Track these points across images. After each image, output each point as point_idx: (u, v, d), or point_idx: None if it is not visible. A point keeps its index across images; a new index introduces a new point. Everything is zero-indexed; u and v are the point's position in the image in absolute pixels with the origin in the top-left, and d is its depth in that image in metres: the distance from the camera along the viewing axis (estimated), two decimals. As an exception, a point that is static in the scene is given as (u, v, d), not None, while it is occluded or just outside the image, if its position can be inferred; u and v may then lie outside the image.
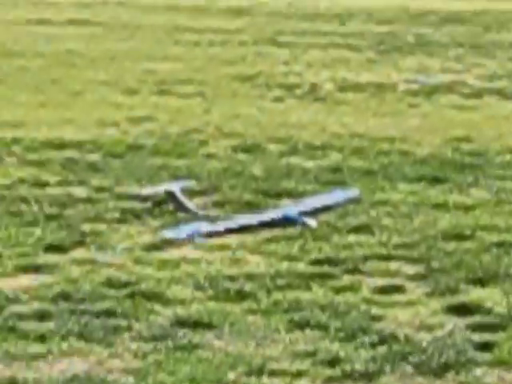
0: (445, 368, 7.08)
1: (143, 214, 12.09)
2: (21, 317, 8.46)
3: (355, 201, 12.71)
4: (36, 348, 7.64)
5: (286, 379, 6.83)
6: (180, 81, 26.68)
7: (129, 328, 8.11)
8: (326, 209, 12.19)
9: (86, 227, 11.64)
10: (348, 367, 7.08)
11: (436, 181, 14.57)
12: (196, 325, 8.18)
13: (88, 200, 13.01)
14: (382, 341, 7.73)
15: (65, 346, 7.62)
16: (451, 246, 10.89)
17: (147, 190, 12.62)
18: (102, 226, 11.67)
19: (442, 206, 12.95)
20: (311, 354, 7.37)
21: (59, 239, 11.09)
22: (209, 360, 7.25)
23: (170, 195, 12.00)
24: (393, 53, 32.23)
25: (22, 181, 14.51)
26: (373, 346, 7.63)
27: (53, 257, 10.43)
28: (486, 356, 7.41)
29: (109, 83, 25.39)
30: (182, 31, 37.36)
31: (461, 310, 8.75)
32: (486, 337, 7.92)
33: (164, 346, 7.62)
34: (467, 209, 12.83)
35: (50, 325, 8.24)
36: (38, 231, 11.41)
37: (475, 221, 12.06)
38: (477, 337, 7.90)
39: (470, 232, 11.51)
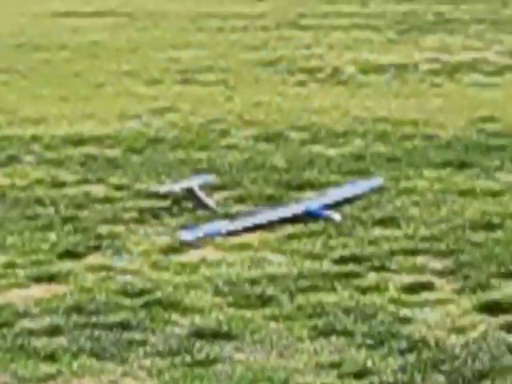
0: (479, 376, 6.65)
1: (162, 213, 11.70)
2: (31, 333, 8.07)
3: (379, 190, 12.32)
4: (45, 368, 7.22)
5: (311, 394, 6.61)
6: (203, 68, 26.53)
7: (144, 342, 7.73)
8: (350, 200, 11.82)
9: (103, 229, 11.25)
10: (376, 379, 6.72)
11: (462, 166, 14.15)
12: (215, 335, 7.79)
13: (106, 200, 12.67)
14: (412, 347, 7.37)
15: (76, 365, 7.18)
16: (480, 236, 10.38)
17: (166, 187, 12.29)
18: (119, 228, 11.27)
19: (469, 193, 12.48)
20: (337, 365, 6.98)
21: (74, 244, 10.71)
22: (228, 375, 6.87)
23: (190, 192, 11.68)
24: (413, 32, 32.48)
25: (38, 181, 14.19)
26: (402, 353, 7.26)
27: (67, 264, 10.00)
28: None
29: (132, 74, 25.21)
30: (206, 18, 37.37)
31: (493, 308, 8.30)
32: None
33: (180, 362, 7.24)
34: (495, 195, 12.40)
35: (61, 341, 7.83)
36: (52, 236, 11.05)
37: (504, 208, 11.62)
38: (513, 338, 7.59)
39: (499, 220, 10.99)
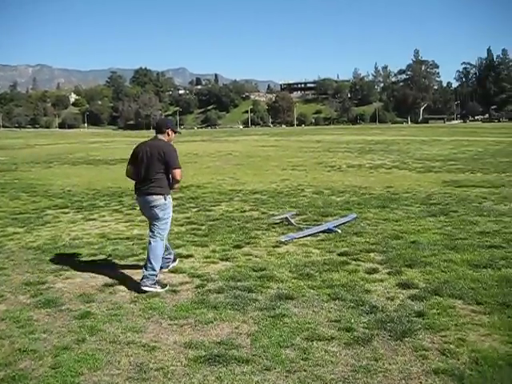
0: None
1: (276, 226, 10.86)
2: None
3: (356, 219, 11.22)
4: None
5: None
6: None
7: (255, 300, 6.79)
8: (345, 223, 10.74)
9: (254, 233, 10.18)
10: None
11: (384, 207, 13.20)
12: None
13: (257, 218, 11.62)
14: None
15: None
16: (396, 242, 9.08)
17: (278, 217, 11.37)
18: (259, 232, 10.23)
19: (387, 219, 11.31)
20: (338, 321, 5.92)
21: (239, 240, 9.57)
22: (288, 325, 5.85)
23: (286, 218, 10.91)
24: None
25: (238, 209, 13.19)
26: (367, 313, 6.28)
27: (235, 251, 8.88)
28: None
29: (278, 166, 24.64)
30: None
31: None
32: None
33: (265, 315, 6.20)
34: (397, 220, 11.17)
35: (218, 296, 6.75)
36: (234, 236, 9.97)
37: (404, 228, 10.32)
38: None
39: (404, 235, 9.69)
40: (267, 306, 6.29)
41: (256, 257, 8.56)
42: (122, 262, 8.38)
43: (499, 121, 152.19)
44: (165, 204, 6.98)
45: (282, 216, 10.95)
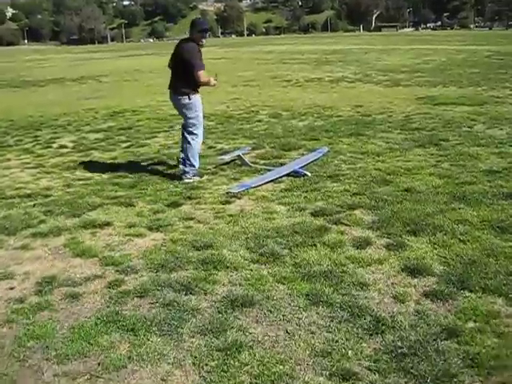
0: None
1: (226, 167, 8.46)
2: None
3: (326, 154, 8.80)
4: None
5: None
6: (250, 80, 21.89)
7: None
8: (313, 162, 8.36)
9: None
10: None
11: (358, 135, 10.54)
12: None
13: (203, 156, 9.35)
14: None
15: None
16: (384, 190, 6.93)
17: (229, 155, 8.79)
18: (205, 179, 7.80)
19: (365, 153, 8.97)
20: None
21: (175, 194, 7.45)
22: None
23: (239, 156, 8.54)
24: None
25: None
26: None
27: (170, 212, 6.57)
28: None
29: (227, 82, 22.44)
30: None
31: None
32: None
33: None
34: (378, 154, 8.80)
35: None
36: (173, 186, 7.92)
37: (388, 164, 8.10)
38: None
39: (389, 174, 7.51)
40: (214, 324, 3.97)
41: (199, 222, 6.19)
42: (11, 240, 5.87)
43: (452, 28, 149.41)
44: (190, 103, 7.44)
45: (233, 154, 8.60)
